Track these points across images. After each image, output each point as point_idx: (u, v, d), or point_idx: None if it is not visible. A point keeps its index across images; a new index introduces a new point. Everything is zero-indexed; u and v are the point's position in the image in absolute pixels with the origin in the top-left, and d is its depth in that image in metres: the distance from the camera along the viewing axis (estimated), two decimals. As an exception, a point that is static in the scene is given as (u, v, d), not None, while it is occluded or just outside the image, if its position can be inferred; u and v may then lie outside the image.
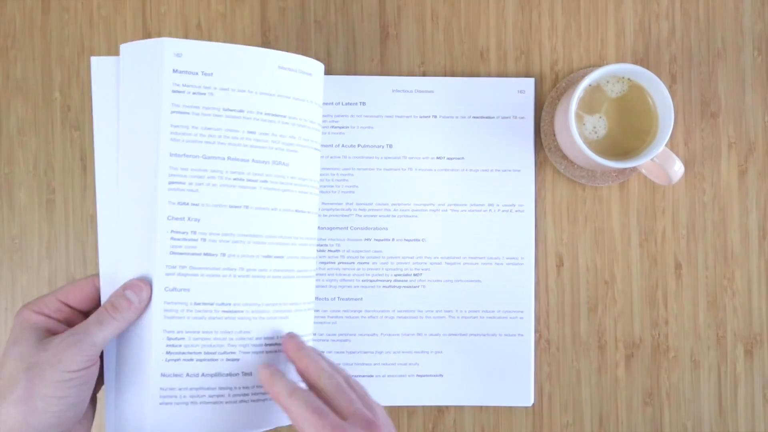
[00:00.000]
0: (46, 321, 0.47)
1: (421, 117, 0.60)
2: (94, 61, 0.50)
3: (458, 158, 0.60)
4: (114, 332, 0.47)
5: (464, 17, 0.62)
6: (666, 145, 0.55)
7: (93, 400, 0.49)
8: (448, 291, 0.59)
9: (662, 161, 0.55)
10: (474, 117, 0.60)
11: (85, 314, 0.49)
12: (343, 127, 0.60)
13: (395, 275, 0.59)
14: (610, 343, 0.61)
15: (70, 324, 0.48)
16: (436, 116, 0.60)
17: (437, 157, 0.60)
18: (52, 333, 0.47)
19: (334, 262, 0.59)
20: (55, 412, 0.44)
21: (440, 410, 0.61)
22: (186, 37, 0.61)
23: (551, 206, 0.61)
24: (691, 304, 0.61)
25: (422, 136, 0.60)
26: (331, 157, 0.59)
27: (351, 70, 0.61)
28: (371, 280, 0.59)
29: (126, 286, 0.48)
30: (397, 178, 0.60)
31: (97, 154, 0.51)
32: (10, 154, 0.61)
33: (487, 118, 0.60)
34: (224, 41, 0.61)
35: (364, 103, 0.60)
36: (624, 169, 0.60)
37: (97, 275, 0.50)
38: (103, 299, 0.49)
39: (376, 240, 0.59)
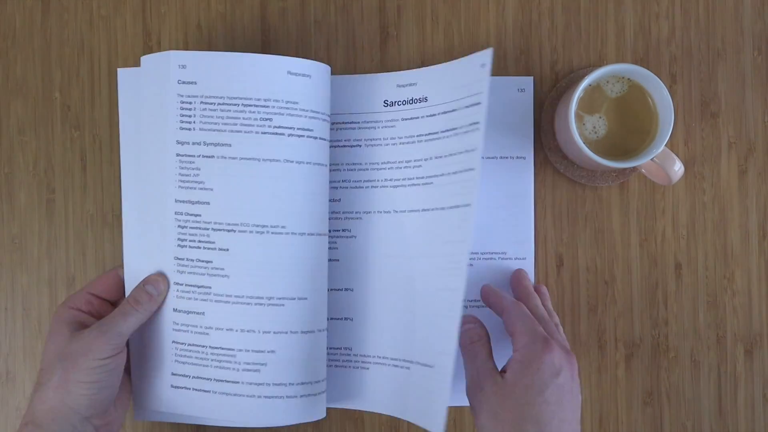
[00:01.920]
0: (77, 314, 0.53)
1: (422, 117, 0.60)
2: (121, 72, 0.57)
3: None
4: (137, 323, 0.53)
5: (464, 17, 0.62)
6: (666, 145, 0.55)
7: (127, 388, 0.55)
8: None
9: (662, 161, 0.55)
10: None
11: (113, 304, 0.55)
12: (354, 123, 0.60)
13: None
14: (610, 343, 0.61)
15: (98, 314, 0.54)
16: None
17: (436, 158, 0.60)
18: (83, 326, 0.53)
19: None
20: (88, 395, 0.50)
21: (440, 410, 0.61)
22: (186, 37, 0.61)
23: (551, 206, 0.61)
24: (691, 304, 0.61)
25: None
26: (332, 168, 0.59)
27: (351, 70, 0.61)
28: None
29: (146, 281, 0.54)
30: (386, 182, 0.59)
31: (123, 157, 0.57)
32: (10, 154, 0.61)
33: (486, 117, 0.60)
34: (224, 41, 0.61)
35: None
36: (624, 169, 0.60)
37: (121, 266, 0.56)
38: (127, 292, 0.55)
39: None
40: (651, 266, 0.61)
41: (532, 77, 0.61)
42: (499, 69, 0.61)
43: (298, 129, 0.54)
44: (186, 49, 0.61)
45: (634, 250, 0.61)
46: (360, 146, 0.59)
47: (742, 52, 0.62)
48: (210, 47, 0.61)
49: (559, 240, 0.61)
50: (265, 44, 0.61)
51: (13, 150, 0.61)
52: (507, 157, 0.60)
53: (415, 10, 0.62)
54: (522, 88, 0.61)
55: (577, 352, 0.61)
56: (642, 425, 0.61)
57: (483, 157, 0.60)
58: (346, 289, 0.59)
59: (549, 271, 0.61)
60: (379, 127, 0.59)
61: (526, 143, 0.60)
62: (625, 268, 0.61)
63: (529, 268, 0.60)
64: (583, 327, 0.61)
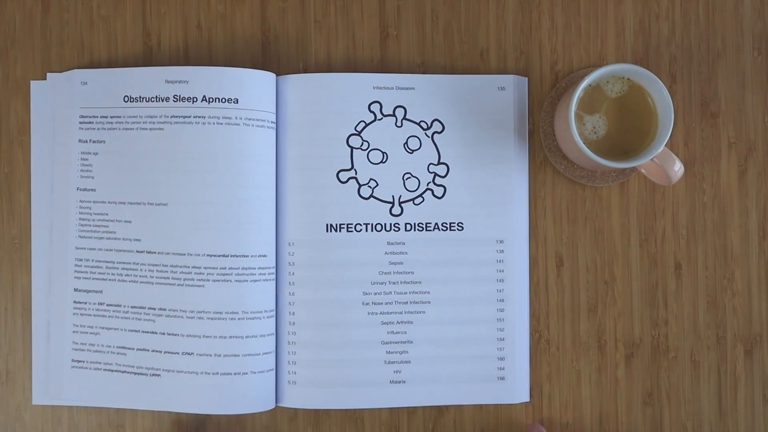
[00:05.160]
0: None
1: (404, 117, 0.60)
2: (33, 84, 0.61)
3: (443, 163, 0.60)
4: None
5: (464, 17, 0.62)
6: (666, 145, 0.55)
7: None
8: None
9: (662, 161, 0.55)
10: (453, 114, 0.60)
11: None
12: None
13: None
14: (610, 343, 0.61)
15: None
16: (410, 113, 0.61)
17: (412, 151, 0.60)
18: None
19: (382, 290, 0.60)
20: None
21: (440, 410, 0.61)
22: (186, 37, 0.61)
23: (551, 206, 0.61)
24: (691, 304, 0.61)
25: (398, 136, 0.60)
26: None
27: (351, 70, 0.61)
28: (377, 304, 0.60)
29: None
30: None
31: (33, 169, 0.61)
32: (10, 154, 0.61)
33: (466, 115, 0.60)
34: (224, 41, 0.61)
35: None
36: (624, 169, 0.60)
37: None
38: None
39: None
40: (651, 266, 0.61)
41: (513, 76, 0.61)
42: (499, 69, 0.61)
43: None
44: (186, 49, 0.61)
45: (634, 250, 0.61)
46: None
47: (742, 52, 0.62)
48: (210, 47, 0.61)
49: (559, 240, 0.61)
50: (265, 44, 0.61)
51: (12, 150, 0.61)
52: (489, 154, 0.60)
53: (415, 10, 0.62)
54: (502, 86, 0.60)
55: (577, 352, 0.61)
56: (642, 425, 0.61)
57: (461, 156, 0.60)
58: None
59: (549, 271, 0.61)
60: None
61: (506, 141, 0.60)
62: (625, 268, 0.61)
63: (522, 267, 0.60)
64: (583, 327, 0.61)
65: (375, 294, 0.60)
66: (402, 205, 0.60)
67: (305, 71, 0.61)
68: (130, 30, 0.61)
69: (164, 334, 0.58)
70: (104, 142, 0.59)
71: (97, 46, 0.61)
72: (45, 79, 0.61)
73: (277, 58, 0.61)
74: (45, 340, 0.60)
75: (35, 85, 0.60)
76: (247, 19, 0.61)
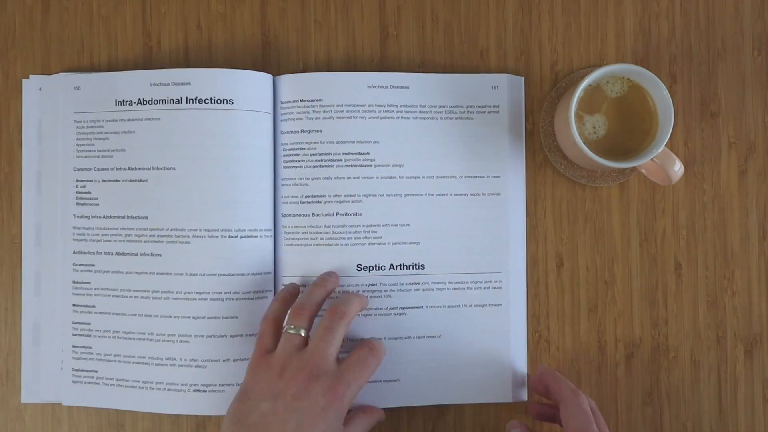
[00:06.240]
0: None
1: (401, 117, 0.60)
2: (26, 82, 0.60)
3: (434, 160, 0.60)
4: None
5: (464, 17, 0.62)
6: (666, 145, 0.55)
7: None
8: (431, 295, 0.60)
9: (662, 161, 0.55)
10: (447, 113, 0.60)
11: None
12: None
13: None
14: (610, 343, 0.61)
15: None
16: (410, 112, 0.60)
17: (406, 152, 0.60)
18: None
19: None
20: None
21: (440, 410, 0.61)
22: (186, 37, 0.61)
23: (551, 206, 0.61)
24: (691, 304, 0.61)
25: (396, 136, 0.60)
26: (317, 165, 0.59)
27: (351, 69, 0.61)
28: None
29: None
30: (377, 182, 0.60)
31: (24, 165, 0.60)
32: (10, 154, 0.61)
33: (460, 114, 0.60)
34: (224, 42, 0.61)
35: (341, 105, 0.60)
36: (624, 169, 0.60)
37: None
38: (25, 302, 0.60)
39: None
40: (651, 266, 0.61)
41: (507, 75, 0.61)
42: (499, 69, 0.61)
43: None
44: (186, 49, 0.61)
45: (634, 250, 0.61)
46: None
47: (742, 52, 0.62)
48: (210, 47, 0.61)
49: (559, 240, 0.61)
50: (265, 44, 0.61)
51: (13, 150, 0.61)
52: (482, 155, 0.60)
53: (415, 10, 0.62)
54: (495, 85, 0.60)
55: (577, 351, 0.61)
56: (642, 425, 0.61)
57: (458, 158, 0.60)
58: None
59: (549, 271, 0.61)
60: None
61: (500, 140, 0.60)
62: (625, 268, 0.61)
63: (522, 267, 0.60)
64: (583, 327, 0.61)
65: (373, 294, 0.60)
66: None
67: (305, 71, 0.61)
68: (130, 30, 0.61)
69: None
70: (102, 149, 0.59)
71: (97, 46, 0.61)
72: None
73: (277, 58, 0.61)
74: (32, 343, 0.60)
75: (26, 84, 0.60)
76: (247, 19, 0.61)
